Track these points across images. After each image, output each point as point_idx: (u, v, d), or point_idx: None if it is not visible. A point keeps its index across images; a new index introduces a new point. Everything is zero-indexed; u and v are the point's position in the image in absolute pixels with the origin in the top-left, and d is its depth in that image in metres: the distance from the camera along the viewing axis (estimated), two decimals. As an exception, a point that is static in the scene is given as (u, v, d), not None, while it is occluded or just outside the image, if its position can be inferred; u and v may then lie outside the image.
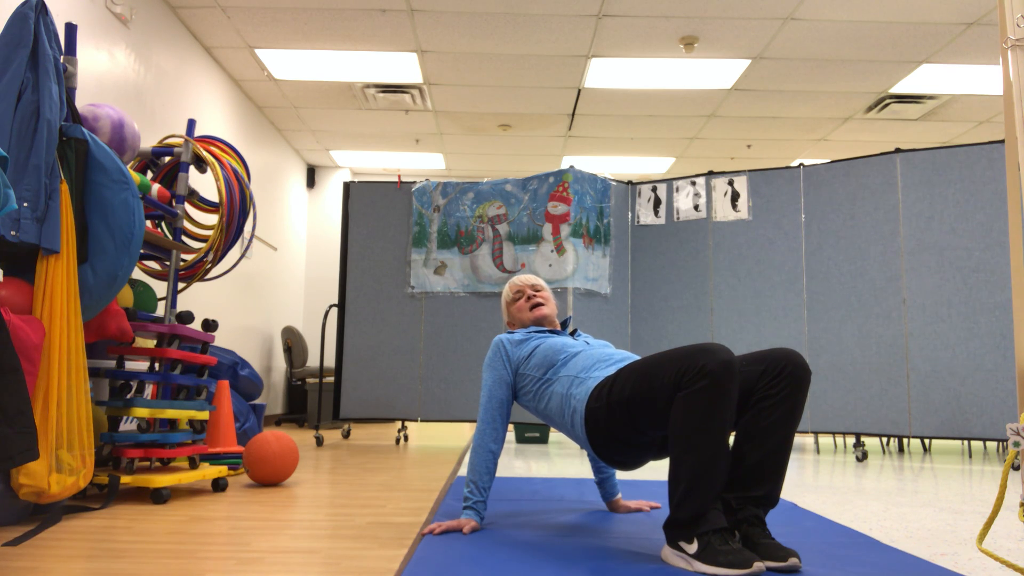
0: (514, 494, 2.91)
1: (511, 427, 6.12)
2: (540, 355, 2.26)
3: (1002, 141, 4.46)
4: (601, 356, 2.18)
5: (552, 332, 2.40)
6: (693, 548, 1.71)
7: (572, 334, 2.46)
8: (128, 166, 3.30)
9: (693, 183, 5.27)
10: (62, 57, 2.68)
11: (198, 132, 4.51)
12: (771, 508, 1.86)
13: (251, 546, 2.03)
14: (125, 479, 2.69)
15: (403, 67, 5.88)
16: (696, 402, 1.76)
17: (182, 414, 2.98)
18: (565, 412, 2.14)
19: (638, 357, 2.10)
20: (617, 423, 1.98)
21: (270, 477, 3.15)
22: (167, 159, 3.67)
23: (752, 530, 1.80)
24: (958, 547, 2.09)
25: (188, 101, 5.35)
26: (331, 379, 6.65)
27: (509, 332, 2.41)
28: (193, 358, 3.03)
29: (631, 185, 5.44)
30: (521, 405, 2.36)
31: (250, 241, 4.24)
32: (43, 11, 2.54)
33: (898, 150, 4.67)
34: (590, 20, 5.09)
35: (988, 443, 5.89)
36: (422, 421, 5.15)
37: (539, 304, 2.44)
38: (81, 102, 3.57)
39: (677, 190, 5.31)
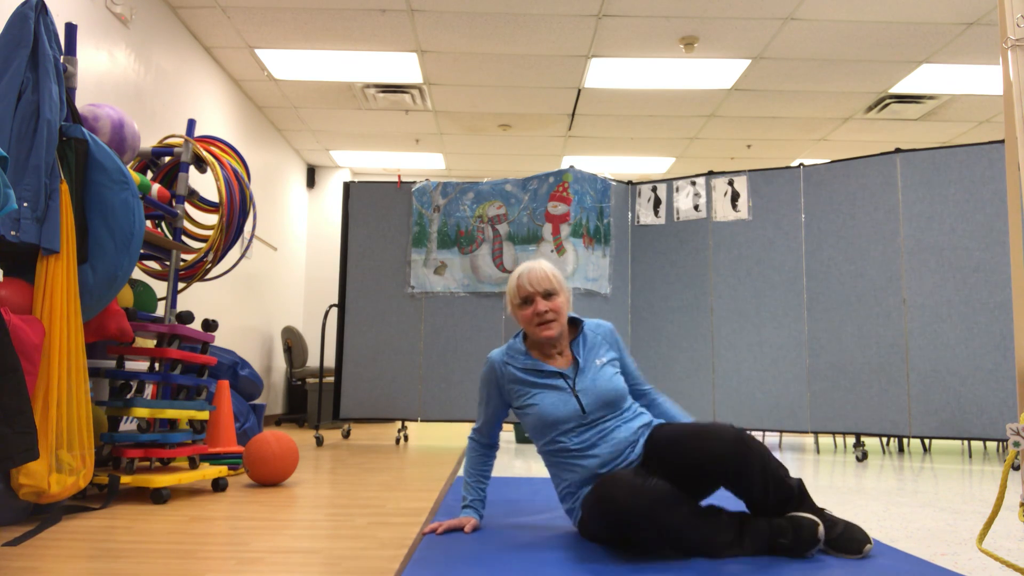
0: (514, 494, 2.91)
1: (512, 427, 6.14)
2: (535, 417, 2.13)
3: (1002, 141, 4.46)
4: (591, 441, 2.07)
5: (552, 375, 2.15)
6: None
7: (576, 364, 2.17)
8: (128, 166, 3.30)
9: (693, 183, 5.27)
10: (62, 57, 2.68)
11: (198, 132, 4.51)
12: (793, 496, 1.96)
13: (251, 546, 2.03)
14: (125, 479, 2.69)
15: (403, 67, 5.88)
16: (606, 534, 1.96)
17: (182, 414, 2.98)
18: (562, 492, 2.17)
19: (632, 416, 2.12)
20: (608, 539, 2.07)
21: (270, 477, 3.15)
22: (167, 159, 3.68)
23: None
24: (958, 547, 2.09)
25: (188, 101, 5.35)
26: (331, 379, 6.64)
27: (505, 350, 2.24)
28: (193, 358, 3.03)
29: (631, 185, 5.44)
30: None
31: (250, 241, 4.25)
32: (43, 11, 2.54)
33: (898, 150, 4.67)
34: (590, 20, 5.09)
35: (988, 443, 5.89)
36: (422, 421, 5.15)
37: (548, 323, 2.13)
38: (81, 102, 3.56)
39: (677, 190, 5.31)
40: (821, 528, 1.86)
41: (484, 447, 2.28)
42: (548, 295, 2.15)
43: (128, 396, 2.97)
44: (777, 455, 4.86)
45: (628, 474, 1.90)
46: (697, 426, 2.04)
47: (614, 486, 1.86)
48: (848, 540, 1.89)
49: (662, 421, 2.18)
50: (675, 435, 2.02)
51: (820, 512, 1.96)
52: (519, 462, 4.29)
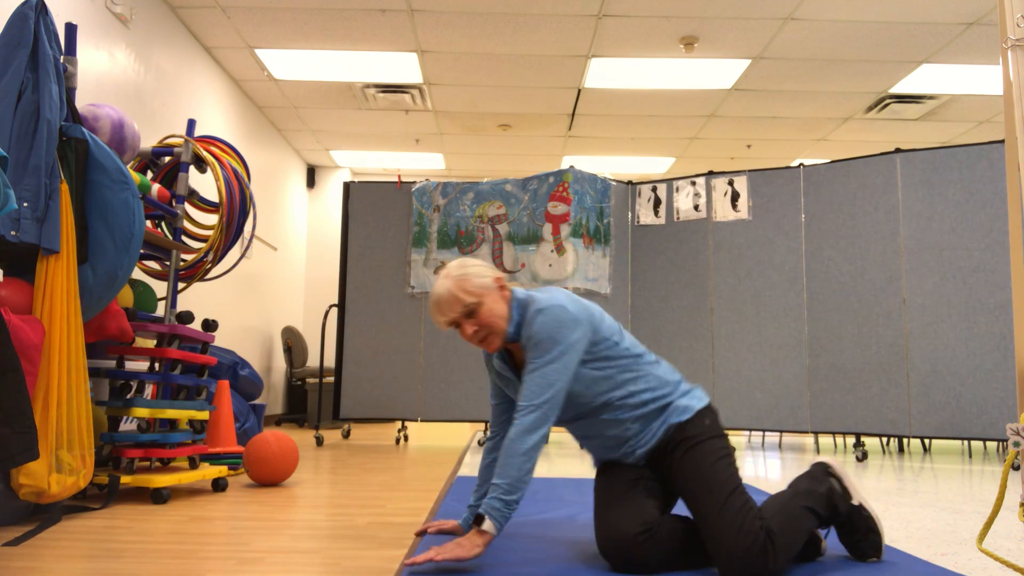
0: (514, 494, 2.91)
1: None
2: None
3: (1002, 141, 4.46)
4: (577, 435, 2.01)
5: (506, 380, 2.02)
6: None
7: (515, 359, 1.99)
8: (128, 166, 3.30)
9: (693, 183, 5.27)
10: (62, 57, 2.68)
11: (198, 132, 4.51)
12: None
13: (251, 546, 2.03)
14: (125, 479, 2.69)
15: (403, 67, 5.88)
16: None
17: (182, 414, 2.98)
18: None
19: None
20: None
21: (270, 477, 3.15)
22: (167, 159, 3.68)
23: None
24: (958, 547, 2.09)
25: (188, 101, 5.35)
26: (331, 379, 6.65)
27: None
28: (193, 358, 3.03)
29: (631, 185, 5.44)
30: None
31: (250, 241, 4.25)
32: (43, 11, 2.54)
33: (898, 150, 4.67)
34: (590, 20, 5.09)
35: (988, 443, 5.89)
36: (422, 421, 5.15)
37: (484, 340, 1.88)
38: (81, 102, 3.56)
39: (677, 190, 5.31)
40: (824, 545, 1.88)
41: (492, 445, 2.09)
42: (468, 314, 1.84)
43: (128, 396, 2.97)
44: (778, 455, 4.88)
45: (632, 524, 1.72)
46: (723, 518, 1.67)
47: (619, 542, 1.72)
48: (855, 547, 1.88)
49: (680, 420, 1.85)
50: (692, 508, 1.76)
51: (849, 517, 1.86)
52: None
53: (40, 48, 2.49)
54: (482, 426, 6.17)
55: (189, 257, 3.75)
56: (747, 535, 1.63)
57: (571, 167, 5.05)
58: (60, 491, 2.33)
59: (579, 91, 6.33)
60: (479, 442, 5.24)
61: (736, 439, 6.05)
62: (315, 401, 7.04)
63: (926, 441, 5.73)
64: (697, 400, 1.91)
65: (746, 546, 1.63)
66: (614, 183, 5.32)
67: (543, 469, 3.92)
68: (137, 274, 3.75)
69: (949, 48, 5.48)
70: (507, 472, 1.72)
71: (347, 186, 5.43)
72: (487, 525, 1.70)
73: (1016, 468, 3.99)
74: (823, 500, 1.81)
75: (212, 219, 4.54)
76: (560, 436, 6.30)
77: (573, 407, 1.89)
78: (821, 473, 1.90)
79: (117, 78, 4.36)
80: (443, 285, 1.85)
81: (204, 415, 3.11)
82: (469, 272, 1.87)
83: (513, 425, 1.77)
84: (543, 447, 1.74)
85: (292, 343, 7.37)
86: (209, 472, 3.00)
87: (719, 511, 1.69)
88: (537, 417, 1.75)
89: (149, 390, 3.15)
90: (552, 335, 1.79)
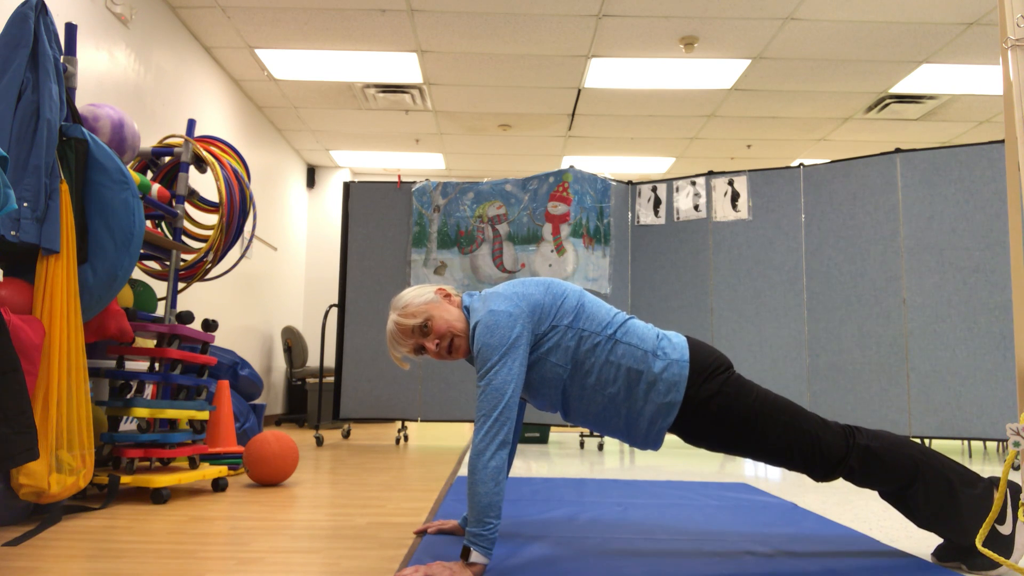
0: (514, 494, 2.91)
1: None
2: None
3: (1002, 141, 4.46)
4: None
5: None
6: None
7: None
8: (128, 166, 3.30)
9: (693, 183, 5.27)
10: (62, 57, 2.68)
11: (198, 132, 4.51)
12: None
13: (251, 546, 2.03)
14: (125, 479, 2.69)
15: (403, 67, 5.88)
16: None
17: (182, 414, 2.98)
18: None
19: None
20: None
21: (270, 477, 3.15)
22: (167, 159, 3.68)
23: None
24: (958, 547, 2.09)
25: (188, 101, 5.35)
26: (331, 379, 6.65)
27: None
28: (193, 358, 3.03)
29: (631, 185, 5.44)
30: None
31: (250, 241, 4.25)
32: (43, 11, 2.54)
33: (898, 150, 4.67)
34: (590, 20, 5.09)
35: (988, 443, 5.89)
36: (422, 421, 5.15)
37: (452, 352, 1.93)
38: (81, 102, 3.56)
39: (677, 190, 5.31)
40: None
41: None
42: (423, 333, 1.88)
43: (128, 396, 2.97)
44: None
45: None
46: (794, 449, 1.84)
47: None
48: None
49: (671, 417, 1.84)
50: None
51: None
52: (519, 462, 4.29)
53: (40, 48, 2.49)
54: (482, 426, 6.15)
55: (189, 257, 3.75)
56: (832, 444, 1.81)
57: (571, 167, 5.06)
58: (60, 491, 2.33)
59: (579, 91, 6.33)
60: (479, 442, 5.23)
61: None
62: (315, 401, 7.04)
63: (926, 441, 5.73)
64: (675, 375, 1.83)
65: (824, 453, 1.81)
66: (614, 183, 5.32)
67: (543, 469, 3.92)
68: (137, 274, 3.75)
69: (949, 48, 5.48)
70: (474, 496, 1.68)
71: (347, 186, 5.43)
72: (475, 556, 1.66)
73: (1016, 468, 3.99)
74: (945, 475, 1.79)
75: (212, 219, 4.54)
76: (560, 436, 6.30)
77: (553, 407, 1.93)
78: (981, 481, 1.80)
79: (117, 78, 4.36)
80: (389, 321, 1.92)
81: (204, 415, 3.11)
82: (406, 298, 1.92)
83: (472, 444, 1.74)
84: (505, 454, 1.71)
85: (292, 343, 7.37)
86: (209, 472, 3.00)
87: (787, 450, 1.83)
88: (487, 431, 1.71)
89: (149, 390, 3.16)
90: (488, 342, 1.78)
